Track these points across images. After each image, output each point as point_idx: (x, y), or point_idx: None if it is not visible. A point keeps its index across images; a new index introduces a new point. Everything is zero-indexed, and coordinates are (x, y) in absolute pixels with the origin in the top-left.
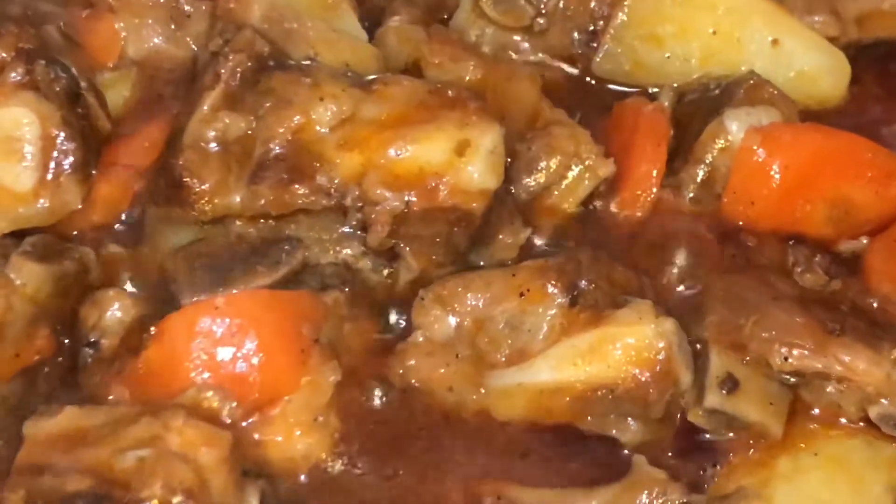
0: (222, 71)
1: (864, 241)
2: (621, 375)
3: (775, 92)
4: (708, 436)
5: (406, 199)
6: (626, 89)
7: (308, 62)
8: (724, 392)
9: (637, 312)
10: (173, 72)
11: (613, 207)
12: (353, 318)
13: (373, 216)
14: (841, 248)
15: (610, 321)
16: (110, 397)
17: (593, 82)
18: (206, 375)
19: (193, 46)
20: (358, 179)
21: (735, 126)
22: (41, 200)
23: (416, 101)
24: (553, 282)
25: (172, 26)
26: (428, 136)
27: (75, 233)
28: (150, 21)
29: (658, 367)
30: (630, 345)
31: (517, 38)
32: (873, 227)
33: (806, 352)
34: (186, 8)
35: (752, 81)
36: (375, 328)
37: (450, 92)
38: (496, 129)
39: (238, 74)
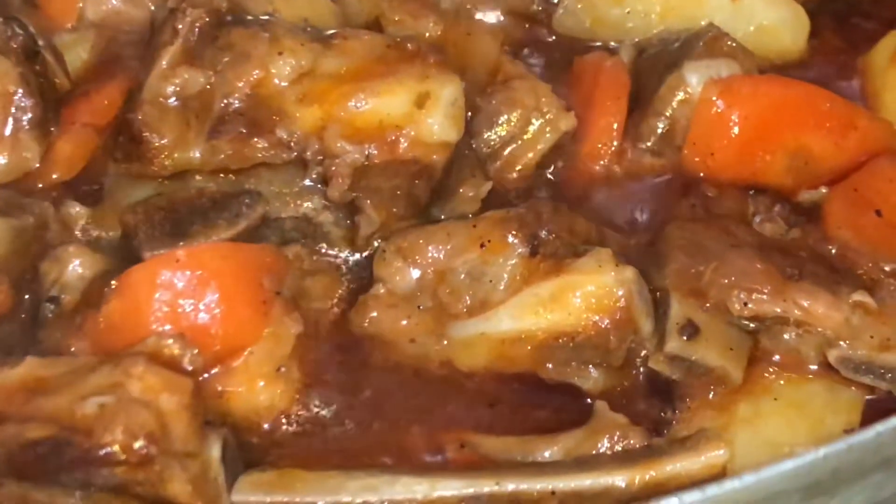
0: (180, 27)
1: (823, 191)
2: (581, 323)
3: (734, 44)
4: (668, 382)
5: (366, 151)
6: (588, 45)
7: (266, 17)
8: (684, 338)
9: (597, 261)
10: (131, 33)
11: (575, 160)
12: (313, 272)
13: (333, 169)
14: (800, 197)
15: (570, 270)
16: (71, 350)
17: (554, 38)
18: (167, 328)
19: (151, 6)
20: (318, 133)
21: (694, 78)
22: (6, 159)
23: (375, 54)
24: (514, 232)
25: None
26: (388, 89)
27: (38, 188)
28: None
29: (618, 315)
30: (590, 292)
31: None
32: (832, 177)
33: (765, 296)
34: None
35: (711, 34)
36: (336, 280)
37: (409, 45)
38: (456, 81)
39: (196, 30)
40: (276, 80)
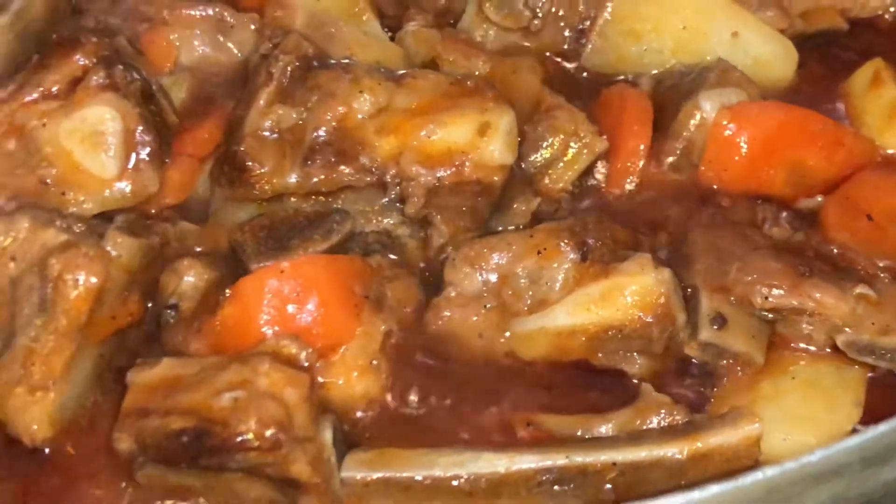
0: (274, 70)
1: (819, 199)
2: (628, 318)
3: (741, 75)
4: (701, 366)
5: (437, 174)
6: (611, 78)
7: (347, 61)
8: (714, 328)
9: (639, 264)
10: (220, 75)
11: (607, 178)
12: (392, 278)
13: (409, 190)
14: (800, 205)
15: (616, 272)
16: (190, 350)
17: (584, 74)
18: (276, 329)
19: (237, 52)
20: (395, 159)
21: (708, 105)
22: (125, 185)
23: (441, 91)
24: (566, 241)
25: (219, 36)
26: (453, 120)
27: (152, 212)
28: (198, 32)
29: (659, 310)
30: (635, 291)
31: (516, 37)
32: (825, 187)
33: (783, 291)
34: (230, 20)
35: (721, 67)
36: (413, 285)
37: (469, 83)
38: (511, 112)
39: (288, 73)
40: (358, 115)
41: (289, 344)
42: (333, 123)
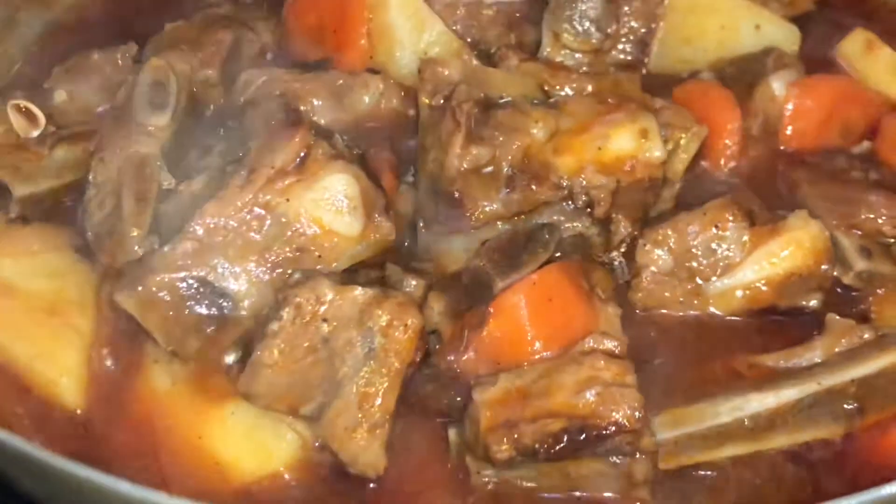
0: (460, 118)
1: (866, 144)
2: (805, 263)
3: (791, 57)
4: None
5: (616, 179)
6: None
7: (508, 99)
8: (865, 258)
9: (801, 219)
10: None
11: (712, 159)
12: (590, 271)
13: (596, 196)
14: (854, 151)
15: (786, 229)
16: (464, 366)
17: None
18: (541, 330)
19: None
20: (578, 173)
21: (778, 84)
22: (369, 239)
23: (593, 110)
24: (735, 212)
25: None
26: (616, 132)
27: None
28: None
29: (825, 252)
30: (805, 241)
31: (589, 58)
32: (864, 134)
33: None
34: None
35: (775, 53)
36: (608, 274)
37: (610, 100)
38: (653, 116)
39: (472, 117)
40: (538, 142)
41: (601, 339)
42: (520, 153)
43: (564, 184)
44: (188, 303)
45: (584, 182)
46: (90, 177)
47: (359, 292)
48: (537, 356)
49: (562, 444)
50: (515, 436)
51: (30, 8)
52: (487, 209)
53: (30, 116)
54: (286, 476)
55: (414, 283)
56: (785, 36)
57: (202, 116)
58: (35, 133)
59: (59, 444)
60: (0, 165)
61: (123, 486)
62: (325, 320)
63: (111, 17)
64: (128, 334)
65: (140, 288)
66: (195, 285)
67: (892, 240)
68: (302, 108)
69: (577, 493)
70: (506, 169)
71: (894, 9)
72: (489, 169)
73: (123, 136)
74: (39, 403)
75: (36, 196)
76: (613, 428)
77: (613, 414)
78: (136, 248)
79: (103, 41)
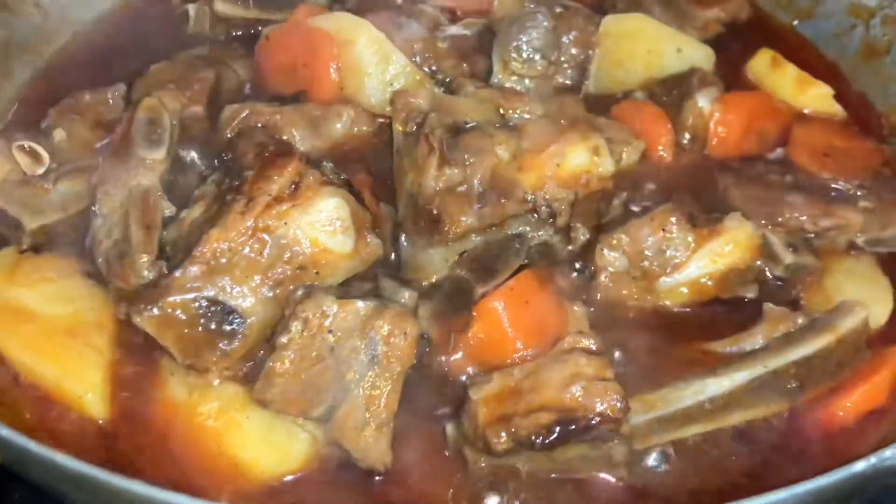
0: (434, 142)
1: (780, 151)
2: (742, 259)
3: (712, 76)
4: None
5: (574, 192)
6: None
7: (473, 123)
8: (792, 252)
9: (736, 220)
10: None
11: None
12: (557, 274)
13: (556, 207)
14: (770, 157)
15: (724, 230)
16: (452, 366)
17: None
18: (520, 330)
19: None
20: (540, 188)
21: (703, 101)
22: (361, 255)
23: (547, 131)
24: (679, 216)
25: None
26: (571, 150)
27: None
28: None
29: (758, 248)
30: (742, 240)
31: (534, 84)
32: (777, 142)
33: (821, 217)
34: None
35: (699, 74)
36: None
37: (562, 121)
38: (600, 134)
39: (444, 142)
40: (503, 161)
41: (579, 338)
42: (488, 172)
43: (529, 198)
44: (201, 320)
45: (546, 195)
46: (95, 208)
47: (360, 305)
48: (519, 354)
49: (554, 435)
50: (513, 429)
51: (22, 56)
52: (464, 223)
53: (34, 155)
54: (301, 472)
55: (407, 294)
56: (702, 57)
57: (193, 148)
58: (40, 170)
59: (90, 455)
60: (9, 201)
61: (160, 495)
62: (330, 331)
63: (97, 60)
64: (143, 350)
65: (156, 310)
66: (206, 304)
67: (812, 235)
68: (284, 137)
69: (563, 476)
70: (477, 187)
71: (791, 30)
72: (462, 187)
73: (124, 170)
74: (71, 419)
75: (45, 228)
76: (599, 418)
77: (598, 406)
78: (146, 272)
79: (91, 82)
